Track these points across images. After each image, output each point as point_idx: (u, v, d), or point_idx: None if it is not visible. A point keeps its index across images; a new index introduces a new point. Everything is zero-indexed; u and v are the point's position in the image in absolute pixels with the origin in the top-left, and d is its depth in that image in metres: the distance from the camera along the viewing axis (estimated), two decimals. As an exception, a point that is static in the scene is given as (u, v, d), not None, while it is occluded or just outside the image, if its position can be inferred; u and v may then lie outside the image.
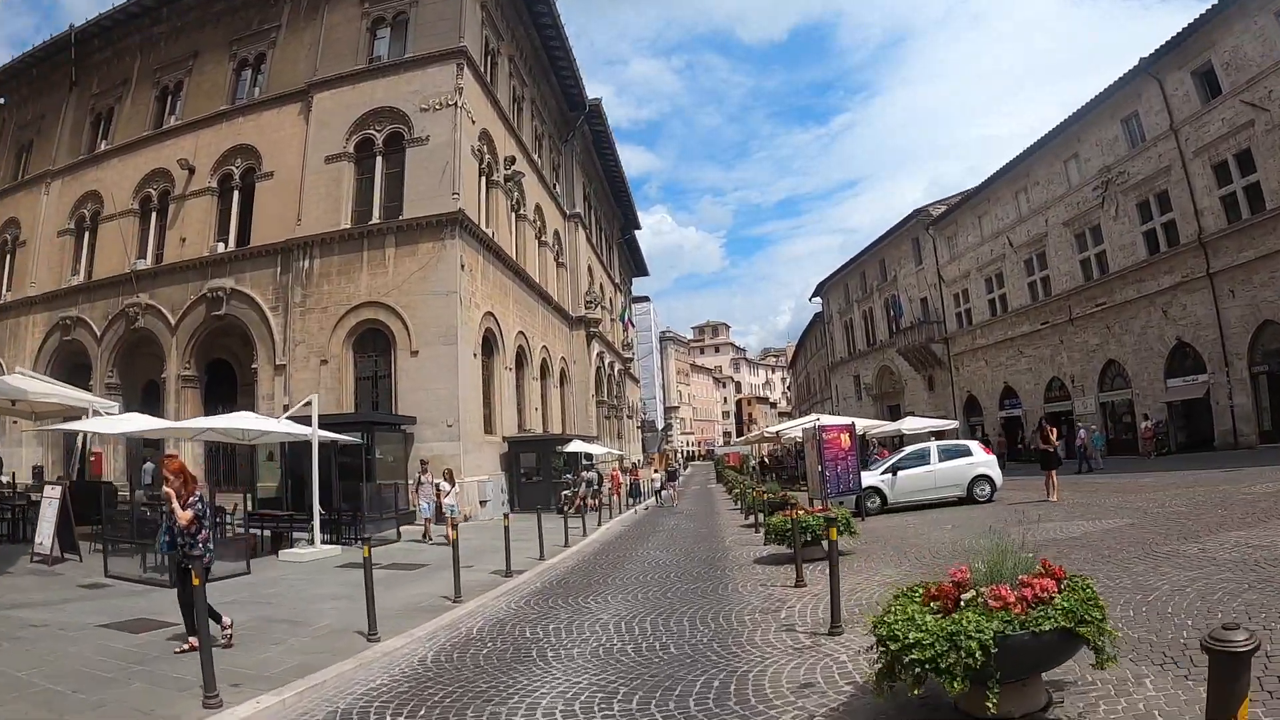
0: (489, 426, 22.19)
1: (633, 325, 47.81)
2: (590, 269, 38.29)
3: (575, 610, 8.19)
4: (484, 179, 23.07)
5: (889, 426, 28.86)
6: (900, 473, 16.13)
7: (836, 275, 53.46)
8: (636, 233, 57.55)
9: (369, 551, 7.17)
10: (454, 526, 14.07)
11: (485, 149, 22.97)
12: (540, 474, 23.08)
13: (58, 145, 29.21)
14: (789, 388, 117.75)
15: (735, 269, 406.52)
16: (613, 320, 45.79)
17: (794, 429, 27.01)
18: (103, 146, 27.88)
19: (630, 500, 26.65)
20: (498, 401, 22.91)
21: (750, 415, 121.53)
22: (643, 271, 64.55)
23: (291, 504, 15.99)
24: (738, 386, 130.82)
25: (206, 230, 23.58)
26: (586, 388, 33.75)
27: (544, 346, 28.74)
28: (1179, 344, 25.32)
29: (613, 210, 48.87)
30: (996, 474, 15.95)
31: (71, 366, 26.31)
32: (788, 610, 7.43)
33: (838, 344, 54.79)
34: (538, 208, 29.37)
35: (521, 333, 25.47)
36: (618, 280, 48.65)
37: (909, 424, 28.36)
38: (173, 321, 23.05)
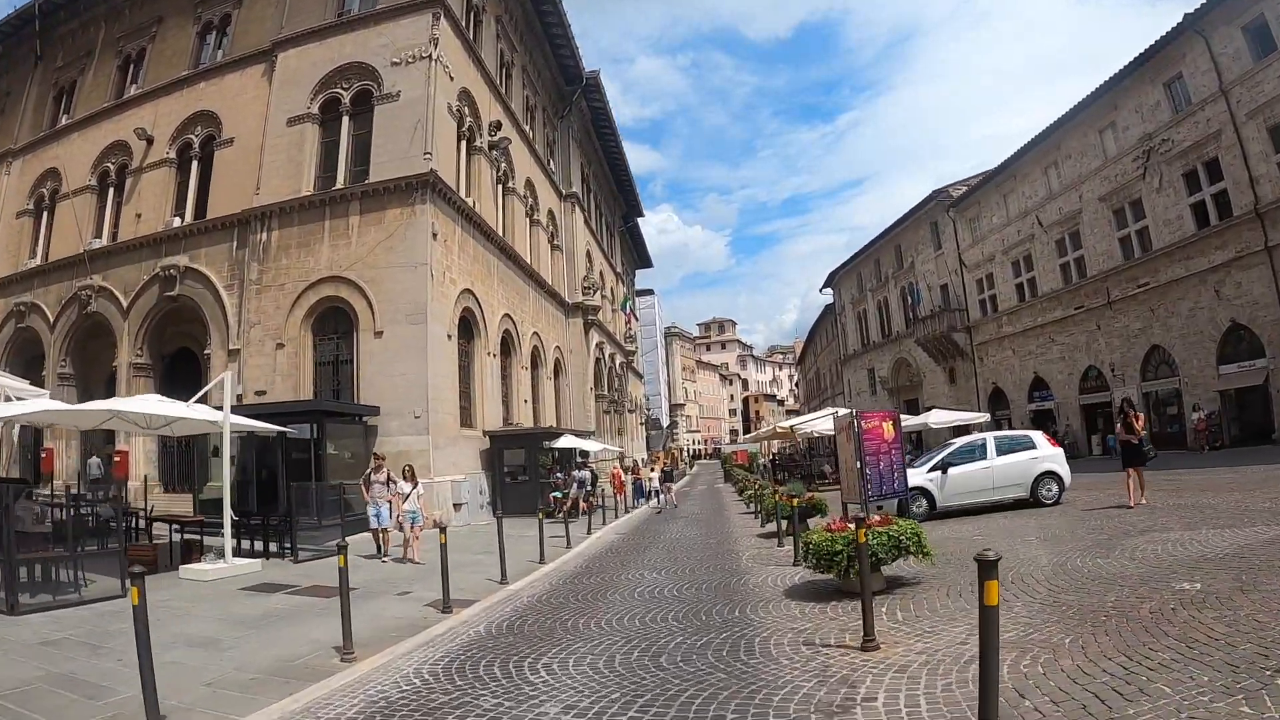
0: (467, 419, 19.98)
1: (635, 317, 45.58)
2: (589, 254, 36.13)
3: (508, 692, 5.10)
4: (464, 143, 20.83)
5: (911, 421, 26.62)
6: (951, 470, 13.46)
7: (849, 264, 51.13)
8: (640, 223, 55.45)
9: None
10: (416, 537, 11.94)
11: (465, 110, 20.75)
12: (527, 473, 20.80)
13: (20, 123, 27.26)
14: (796, 385, 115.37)
15: (741, 267, 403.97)
16: (614, 311, 43.60)
17: (814, 422, 24.85)
18: (64, 121, 25.90)
19: (637, 501, 24.47)
20: (479, 391, 20.69)
21: (757, 413, 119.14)
22: (646, 263, 62.35)
23: (240, 507, 13.88)
24: (744, 384, 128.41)
25: (163, 205, 21.53)
26: (584, 380, 31.56)
27: (535, 333, 26.56)
28: (1233, 326, 22.95)
29: (614, 196, 46.69)
30: (1065, 471, 13.43)
31: (28, 357, 24.31)
32: (869, 713, 4.14)
33: (850, 336, 52.47)
34: (529, 183, 27.20)
35: (508, 316, 23.26)
36: (619, 269, 46.45)
37: (935, 418, 26.14)
38: (124, 304, 20.97)
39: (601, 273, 40.31)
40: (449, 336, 18.30)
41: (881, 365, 46.74)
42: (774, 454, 53.00)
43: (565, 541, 13.59)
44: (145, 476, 20.10)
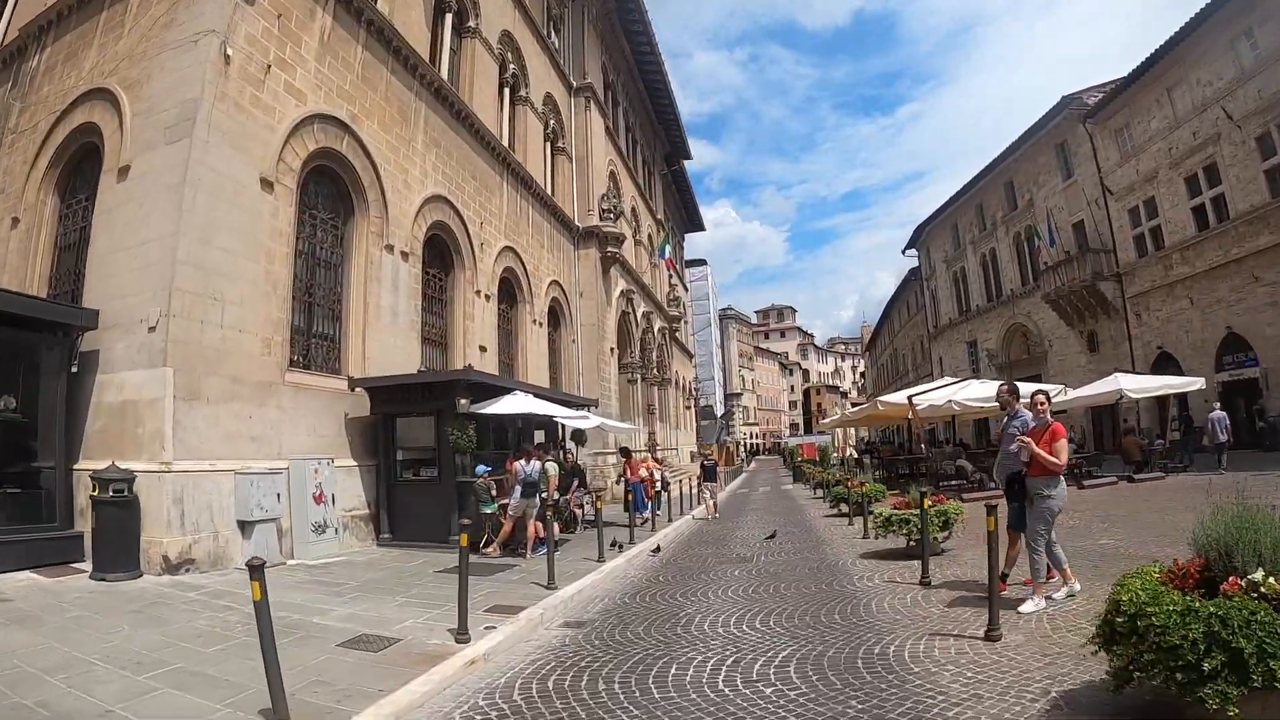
0: (324, 356, 11.85)
1: (677, 271, 37.23)
2: (614, 176, 28.15)
3: None
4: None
5: (1098, 388, 18.20)
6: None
7: (941, 214, 41.80)
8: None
9: None
10: None
11: None
12: (438, 464, 11.64)
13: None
14: (862, 375, 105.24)
15: (800, 262, 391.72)
16: (652, 264, 35.56)
17: (943, 393, 16.79)
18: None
19: (641, 510, 16.22)
20: (356, 308, 12.27)
21: (819, 405, 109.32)
22: (697, 223, 53.91)
23: None
24: (805, 374, 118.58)
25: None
26: (599, 334, 23.54)
27: (513, 250, 18.59)
28: None
29: (650, 125, 38.57)
30: None
31: None
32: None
33: (942, 304, 43.16)
34: (508, 39, 19.21)
35: (449, 204, 15.17)
36: (660, 216, 38.16)
37: (1128, 383, 17.63)
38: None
39: (635, 210, 32.29)
40: (265, 185, 9.92)
41: (987, 336, 37.41)
42: (866, 443, 44.12)
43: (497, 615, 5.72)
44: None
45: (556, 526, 10.48)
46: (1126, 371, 23.69)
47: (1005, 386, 7.40)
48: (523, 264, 19.07)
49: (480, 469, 11.37)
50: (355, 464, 11.56)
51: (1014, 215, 34.61)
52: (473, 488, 11.17)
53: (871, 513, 10.53)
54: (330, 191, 12.11)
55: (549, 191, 21.88)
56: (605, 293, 24.41)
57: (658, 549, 11.78)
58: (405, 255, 13.21)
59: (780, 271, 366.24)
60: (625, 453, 18.29)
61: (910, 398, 17.81)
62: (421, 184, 14.01)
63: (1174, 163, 25.34)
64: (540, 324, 20.17)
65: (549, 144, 23.10)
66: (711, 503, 18.15)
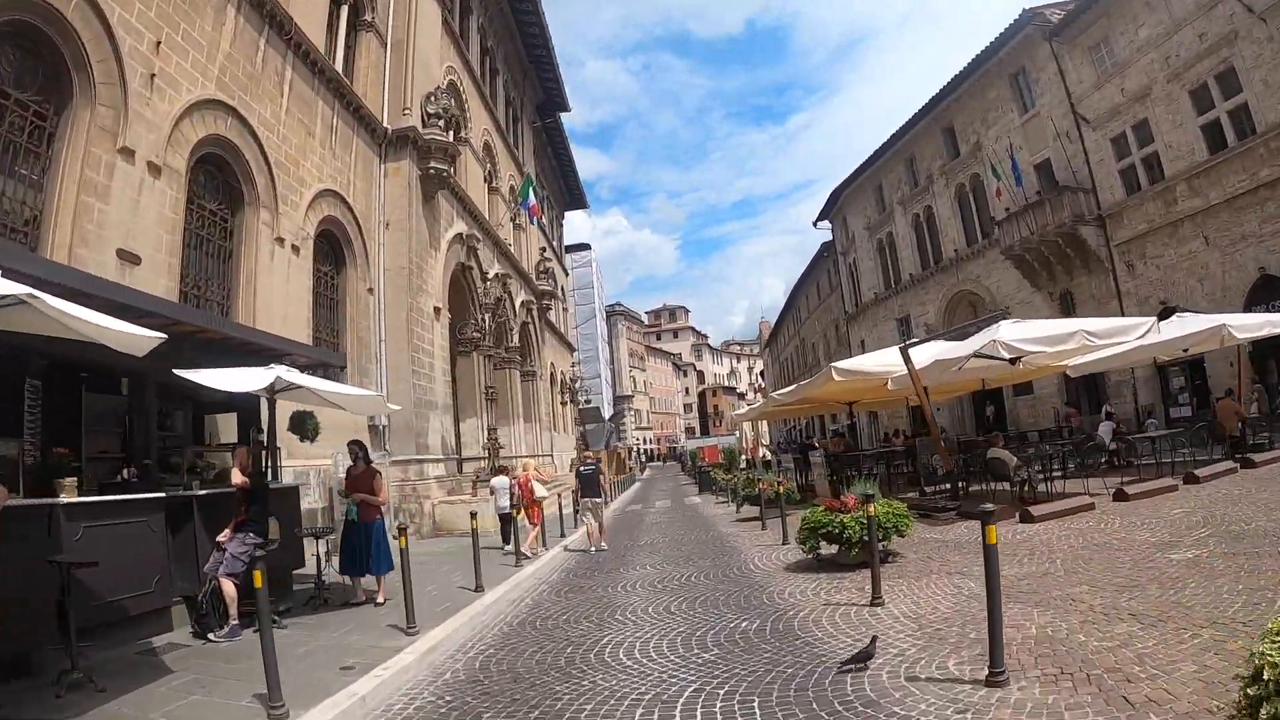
0: None
1: (536, 220, 29.10)
2: (456, 89, 20.15)
3: None
4: None
5: (1185, 328, 12.04)
6: None
7: (861, 175, 36.04)
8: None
9: None
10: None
11: None
12: None
13: None
14: (760, 375, 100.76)
15: (692, 270, 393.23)
16: (515, 222, 27.63)
17: (982, 338, 10.15)
18: None
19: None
20: None
21: (716, 408, 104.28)
22: (578, 199, 46.37)
23: None
24: (700, 376, 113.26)
25: None
26: (414, 285, 15.44)
27: (234, 112, 10.52)
28: None
29: (521, 68, 30.85)
30: None
31: None
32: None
33: (865, 278, 37.51)
34: None
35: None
36: (522, 161, 30.04)
37: (1237, 321, 11.94)
38: None
39: (491, 149, 24.29)
40: None
41: (922, 309, 31.81)
42: (768, 447, 37.83)
43: None
44: None
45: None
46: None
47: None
48: (259, 145, 10.90)
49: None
50: None
51: (956, 164, 29.16)
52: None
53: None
54: None
55: (338, 70, 13.80)
56: (428, 228, 16.37)
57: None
58: None
59: (672, 280, 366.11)
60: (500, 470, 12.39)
61: (904, 350, 10.99)
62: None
63: (1173, 74, 20.15)
64: (297, 249, 11.94)
65: (345, 6, 14.97)
66: (595, 525, 12.18)
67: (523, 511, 12.50)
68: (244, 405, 8.07)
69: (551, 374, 35.38)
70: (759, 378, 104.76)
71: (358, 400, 7.99)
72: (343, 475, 12.51)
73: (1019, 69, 25.82)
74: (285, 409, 8.54)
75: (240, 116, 10.46)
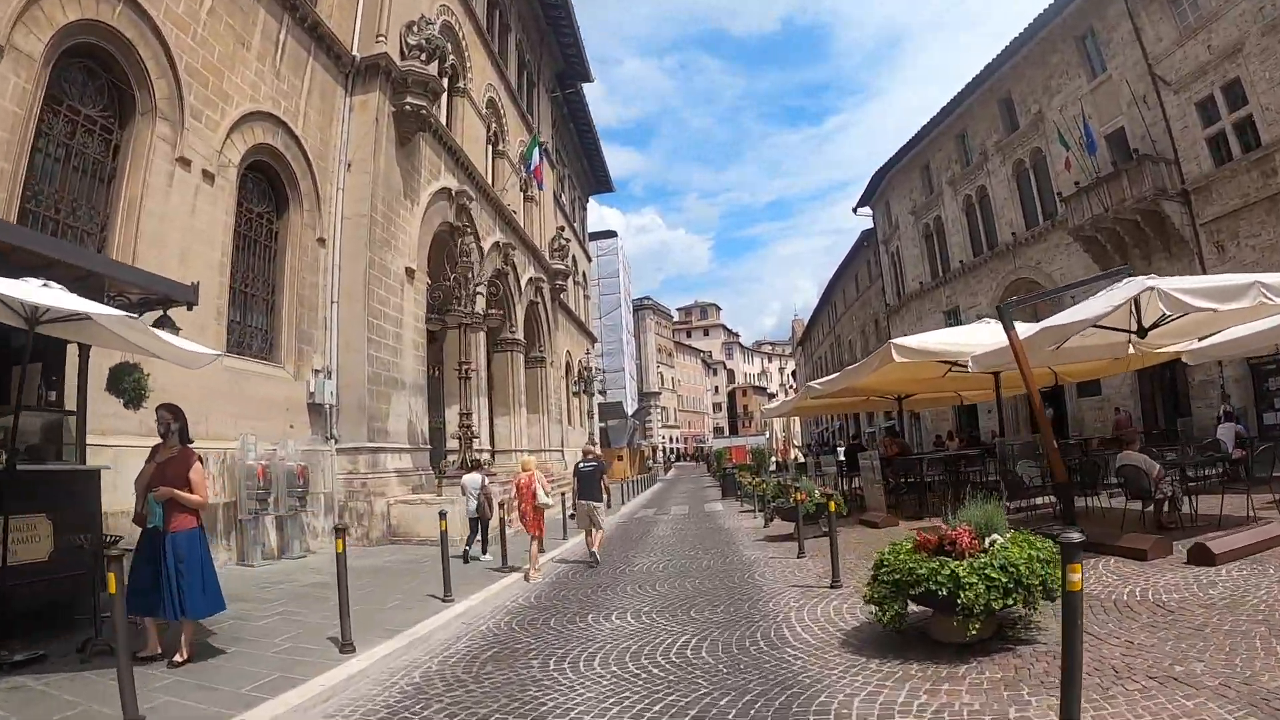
0: None
1: (541, 179, 26.71)
2: (454, 29, 18.04)
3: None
4: None
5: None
6: None
7: (907, 154, 33.28)
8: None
9: None
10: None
11: None
12: None
13: None
14: (792, 375, 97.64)
15: (724, 270, 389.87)
16: (525, 194, 25.48)
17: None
18: None
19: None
20: None
21: (746, 408, 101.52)
22: (602, 180, 44.12)
23: None
24: (730, 375, 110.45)
25: None
26: (377, 239, 13.25)
27: (152, 25, 8.56)
28: None
29: (538, 29, 28.75)
30: None
31: None
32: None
33: (909, 267, 34.74)
34: None
35: None
36: (536, 129, 27.73)
37: None
38: None
39: (498, 105, 22.17)
40: None
41: (974, 300, 28.96)
42: (801, 447, 35.24)
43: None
44: None
45: None
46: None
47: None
48: (162, 42, 8.84)
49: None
50: None
51: (1014, 139, 26.31)
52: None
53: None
54: None
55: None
56: (402, 176, 14.21)
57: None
58: None
59: (705, 279, 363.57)
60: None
61: (1003, 311, 8.26)
62: None
63: (1270, 25, 17.24)
64: (210, 176, 9.83)
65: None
66: (597, 535, 10.36)
67: (517, 519, 10.36)
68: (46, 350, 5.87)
69: (568, 363, 33.25)
70: (791, 378, 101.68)
71: (179, 353, 5.55)
72: (250, 462, 10.51)
73: (1086, 30, 22.96)
74: (106, 360, 6.38)
75: (135, 3, 8.44)
